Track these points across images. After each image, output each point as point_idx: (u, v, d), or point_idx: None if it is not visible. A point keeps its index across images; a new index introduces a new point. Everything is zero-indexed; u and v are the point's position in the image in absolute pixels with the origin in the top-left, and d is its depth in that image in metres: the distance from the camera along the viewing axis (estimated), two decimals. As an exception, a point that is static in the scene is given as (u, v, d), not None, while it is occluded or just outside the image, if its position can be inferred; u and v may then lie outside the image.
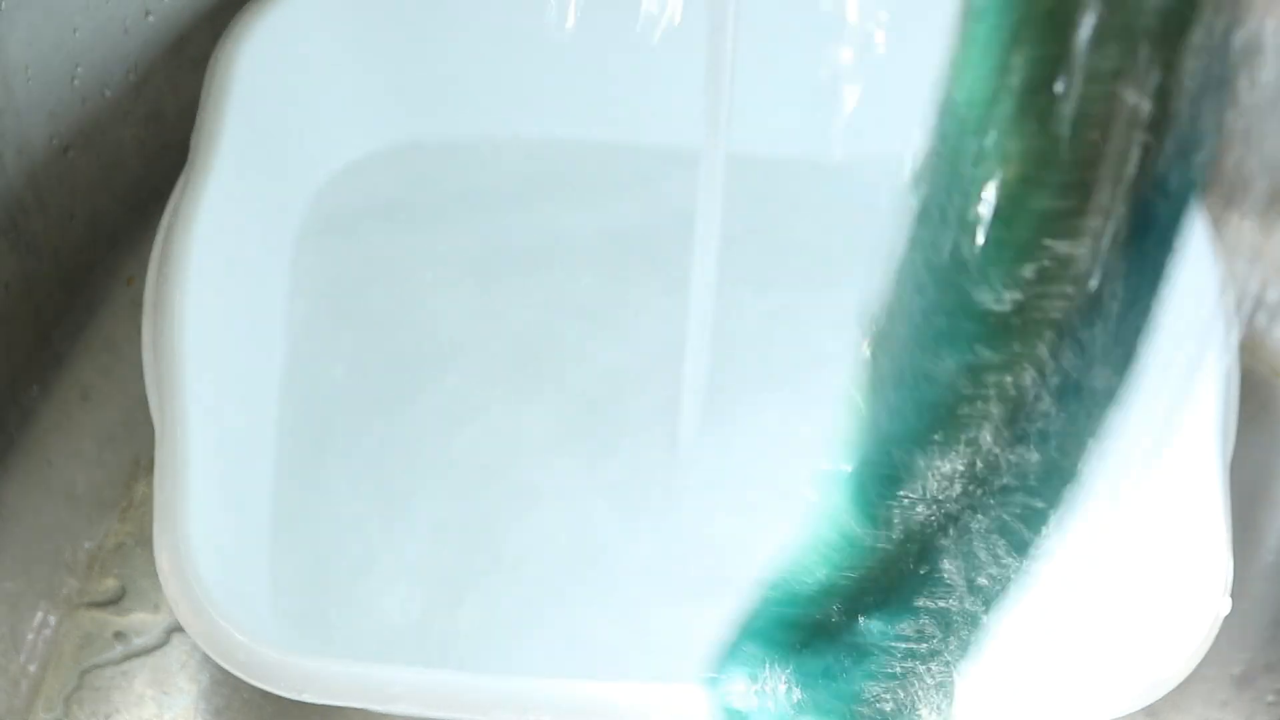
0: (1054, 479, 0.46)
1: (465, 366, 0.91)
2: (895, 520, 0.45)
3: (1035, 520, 0.47)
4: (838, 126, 0.96)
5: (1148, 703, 0.71)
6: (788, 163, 0.98)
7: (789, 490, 0.80)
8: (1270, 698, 0.86)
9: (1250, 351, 0.96)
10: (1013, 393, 0.42)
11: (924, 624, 0.47)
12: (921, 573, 0.46)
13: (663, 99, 0.96)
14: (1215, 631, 0.73)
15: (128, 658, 0.86)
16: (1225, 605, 0.73)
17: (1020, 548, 0.48)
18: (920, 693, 0.48)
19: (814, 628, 0.47)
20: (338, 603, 0.83)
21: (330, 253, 0.93)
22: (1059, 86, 0.37)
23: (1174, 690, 0.85)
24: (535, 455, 0.88)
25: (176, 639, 0.85)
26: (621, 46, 0.94)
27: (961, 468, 0.44)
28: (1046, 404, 0.43)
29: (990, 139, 0.38)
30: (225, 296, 0.83)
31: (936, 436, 0.43)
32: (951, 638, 0.48)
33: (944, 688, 0.49)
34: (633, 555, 0.84)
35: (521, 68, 0.96)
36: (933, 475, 0.44)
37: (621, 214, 0.96)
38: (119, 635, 0.86)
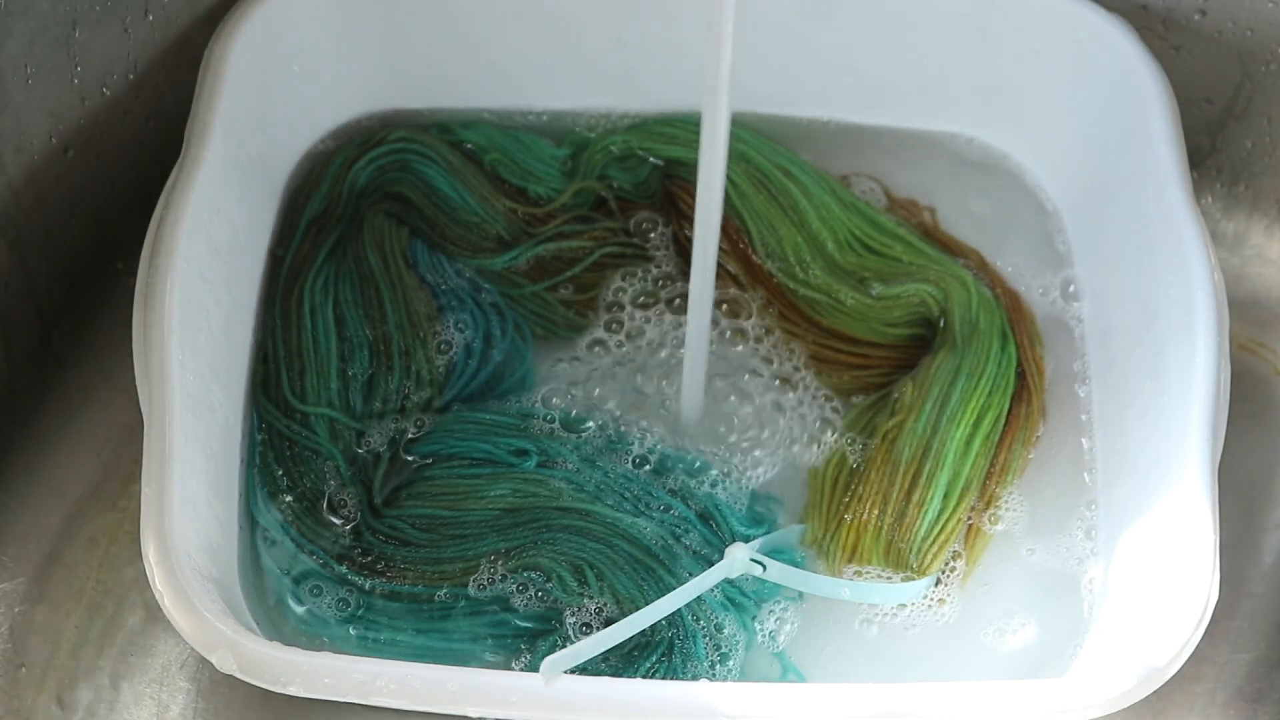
0: None
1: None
2: None
3: None
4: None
5: (1141, 696, 0.71)
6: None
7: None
8: (1273, 698, 0.86)
9: (1250, 351, 0.96)
10: None
11: None
12: None
13: (646, 72, 0.97)
14: (1204, 625, 0.72)
15: (128, 658, 0.86)
16: (1213, 597, 0.72)
17: None
18: None
19: None
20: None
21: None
22: None
23: (1177, 691, 0.85)
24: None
25: (176, 638, 0.85)
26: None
27: None
28: None
29: None
30: (212, 287, 0.83)
31: None
32: None
33: None
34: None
35: (496, 50, 0.97)
36: None
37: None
38: (119, 635, 0.86)
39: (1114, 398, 0.87)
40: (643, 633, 0.80)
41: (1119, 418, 0.86)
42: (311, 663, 0.70)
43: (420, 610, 0.82)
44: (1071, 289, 0.93)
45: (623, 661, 0.80)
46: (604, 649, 0.77)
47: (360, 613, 0.82)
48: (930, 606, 0.83)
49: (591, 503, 0.84)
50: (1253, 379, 0.95)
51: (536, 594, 0.81)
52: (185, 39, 0.92)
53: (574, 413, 0.89)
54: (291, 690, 0.69)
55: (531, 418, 0.88)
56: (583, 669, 0.79)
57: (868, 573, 0.84)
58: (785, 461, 0.88)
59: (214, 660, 0.70)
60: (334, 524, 0.85)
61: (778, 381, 0.91)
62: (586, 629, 0.80)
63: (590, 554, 0.82)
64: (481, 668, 0.80)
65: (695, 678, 0.79)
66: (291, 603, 0.82)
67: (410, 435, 0.88)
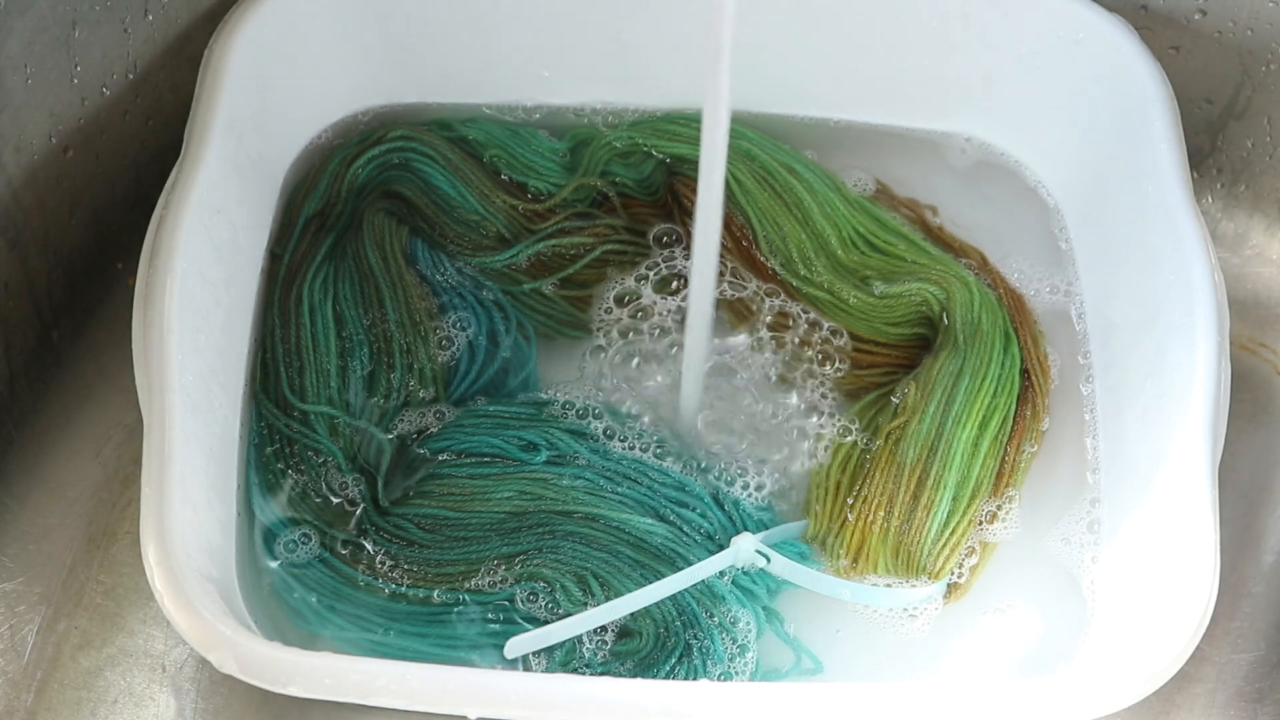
0: None
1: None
2: None
3: None
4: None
5: (1142, 696, 0.71)
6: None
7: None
8: (1273, 698, 0.86)
9: (1250, 351, 0.96)
10: None
11: None
12: None
13: (646, 69, 0.97)
14: (1204, 625, 0.73)
15: (128, 658, 0.86)
16: (1213, 597, 0.73)
17: None
18: None
19: None
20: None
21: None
22: None
23: (1177, 691, 0.85)
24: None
25: (176, 638, 0.85)
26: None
27: None
28: None
29: None
30: (212, 287, 0.83)
31: None
32: None
33: None
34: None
35: (495, 45, 0.97)
36: None
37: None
38: (119, 634, 0.86)
39: (1114, 397, 0.87)
40: (658, 636, 0.81)
41: (1120, 417, 0.86)
42: (311, 663, 0.70)
43: (421, 612, 0.82)
44: (1072, 288, 0.93)
45: (639, 665, 0.81)
46: (575, 634, 0.77)
47: (362, 612, 0.82)
48: (931, 605, 0.83)
49: (598, 504, 0.84)
50: (1253, 379, 0.95)
51: (544, 604, 0.81)
52: (185, 39, 0.92)
53: (583, 399, 0.90)
54: (291, 690, 0.69)
55: (546, 405, 0.88)
56: (605, 672, 0.79)
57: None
58: (786, 460, 0.89)
59: (214, 660, 0.70)
60: (334, 522, 0.85)
61: (779, 380, 0.91)
62: (598, 632, 0.80)
63: (595, 564, 0.82)
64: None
65: (719, 676, 0.80)
66: (292, 602, 0.82)
67: (421, 432, 0.88)
